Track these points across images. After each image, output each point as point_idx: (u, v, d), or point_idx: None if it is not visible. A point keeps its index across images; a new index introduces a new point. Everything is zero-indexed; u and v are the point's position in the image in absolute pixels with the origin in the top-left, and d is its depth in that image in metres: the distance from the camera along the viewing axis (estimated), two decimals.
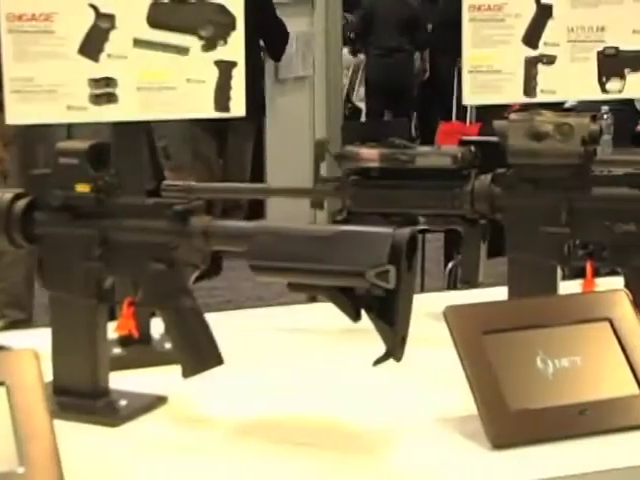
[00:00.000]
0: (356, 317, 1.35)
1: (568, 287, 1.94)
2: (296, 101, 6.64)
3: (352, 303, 1.34)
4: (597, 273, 1.95)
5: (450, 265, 4.55)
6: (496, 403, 1.41)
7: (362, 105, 9.55)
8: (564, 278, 2.14)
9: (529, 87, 2.04)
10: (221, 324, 1.55)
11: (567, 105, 4.92)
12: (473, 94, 2.05)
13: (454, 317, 1.47)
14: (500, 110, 2.52)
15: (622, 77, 2.10)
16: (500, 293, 1.81)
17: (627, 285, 1.71)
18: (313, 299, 1.70)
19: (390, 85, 8.99)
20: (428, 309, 1.66)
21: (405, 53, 9.10)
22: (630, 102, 5.35)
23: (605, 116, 4.96)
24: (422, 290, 4.93)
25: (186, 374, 1.47)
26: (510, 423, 1.40)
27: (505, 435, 1.39)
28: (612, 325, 1.52)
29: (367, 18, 9.00)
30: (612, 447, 1.39)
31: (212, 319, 1.50)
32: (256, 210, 5.71)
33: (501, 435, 1.39)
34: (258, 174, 6.41)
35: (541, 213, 1.77)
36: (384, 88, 9.01)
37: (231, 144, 5.67)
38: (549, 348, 1.47)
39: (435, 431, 1.46)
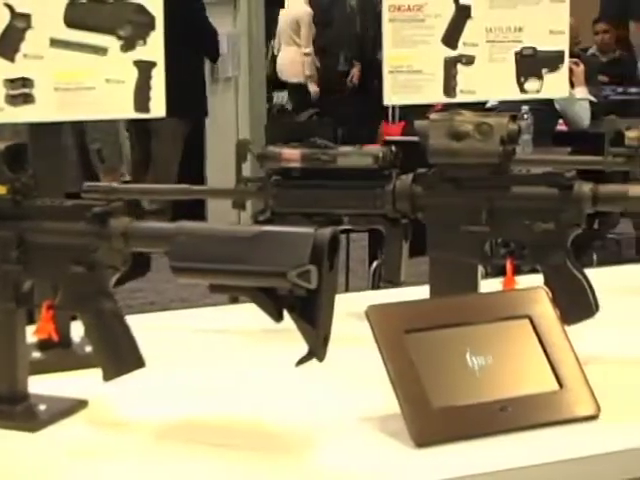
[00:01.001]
0: (278, 317, 1.35)
1: (489, 285, 1.95)
2: (227, 101, 6.64)
3: (274, 303, 1.34)
4: (518, 271, 1.97)
5: (374, 265, 4.58)
6: (418, 401, 1.41)
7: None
8: (487, 276, 2.16)
9: (449, 87, 2.06)
10: (143, 326, 1.53)
11: (488, 105, 4.98)
12: (394, 94, 2.07)
13: (376, 316, 1.47)
14: (424, 110, 2.53)
15: (540, 77, 2.13)
16: (422, 292, 1.82)
17: (546, 283, 1.73)
18: (235, 300, 1.70)
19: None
20: (351, 309, 1.67)
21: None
22: (550, 102, 5.42)
23: (525, 116, 5.02)
24: (347, 290, 4.95)
25: (107, 377, 1.46)
26: (432, 421, 1.41)
27: (428, 433, 1.40)
28: (532, 322, 1.53)
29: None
30: (533, 443, 1.41)
31: (135, 321, 1.49)
32: (197, 213, 5.69)
33: (424, 433, 1.39)
34: (199, 174, 6.41)
35: (462, 212, 1.78)
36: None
37: (153, 145, 5.64)
38: (470, 346, 1.49)
39: (358, 430, 1.46)
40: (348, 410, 1.52)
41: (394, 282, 1.90)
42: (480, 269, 1.85)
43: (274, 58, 8.79)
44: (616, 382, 1.61)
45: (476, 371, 1.47)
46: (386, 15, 2.03)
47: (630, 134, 2.05)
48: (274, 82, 8.52)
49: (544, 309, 1.56)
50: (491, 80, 2.09)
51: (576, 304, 1.72)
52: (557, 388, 1.48)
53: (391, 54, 2.04)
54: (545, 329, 1.53)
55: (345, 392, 1.61)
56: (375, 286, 4.50)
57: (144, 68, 1.79)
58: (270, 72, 8.56)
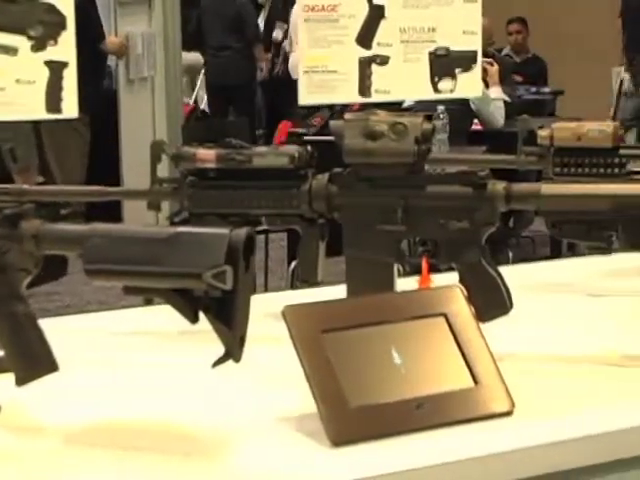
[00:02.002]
0: (194, 318, 1.34)
1: (405, 284, 1.97)
2: (143, 102, 6.58)
3: (189, 305, 1.33)
4: (436, 269, 1.99)
5: (293, 264, 4.58)
6: (335, 401, 1.42)
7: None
8: (404, 275, 2.18)
9: (364, 87, 2.07)
10: (59, 329, 1.52)
11: (405, 105, 5.03)
12: (309, 94, 2.07)
13: (292, 316, 1.47)
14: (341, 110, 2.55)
15: (453, 77, 2.15)
16: (340, 291, 1.82)
17: (462, 281, 1.75)
18: (150, 301, 1.68)
19: (224, 85, 8.97)
20: (269, 309, 1.66)
21: (232, 51, 9.07)
22: (465, 102, 5.48)
23: (441, 116, 5.07)
24: (266, 290, 4.96)
25: (19, 382, 1.44)
26: (349, 420, 1.41)
27: (344, 432, 1.40)
28: (447, 320, 1.55)
29: (200, 18, 8.98)
30: (449, 440, 1.42)
31: (50, 324, 1.47)
32: (114, 215, 5.63)
33: (340, 432, 1.39)
34: (115, 175, 6.34)
35: (377, 211, 1.79)
36: (219, 88, 9.00)
37: (47, 145, 5.56)
38: (387, 345, 1.49)
39: (275, 430, 1.46)
40: (265, 410, 1.52)
41: (311, 282, 1.90)
42: (400, 268, 1.86)
43: (286, 58, 8.64)
44: (530, 378, 1.63)
45: (392, 370, 1.47)
46: (301, 15, 2.03)
47: (542, 133, 2.08)
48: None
49: (459, 307, 1.57)
50: (405, 80, 2.10)
51: (491, 301, 1.74)
52: (472, 385, 1.49)
53: (306, 54, 2.04)
54: (460, 327, 1.54)
55: (262, 392, 1.60)
56: (294, 286, 4.50)
57: (55, 68, 1.77)
58: (284, 72, 8.47)
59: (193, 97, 9.28)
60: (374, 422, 1.42)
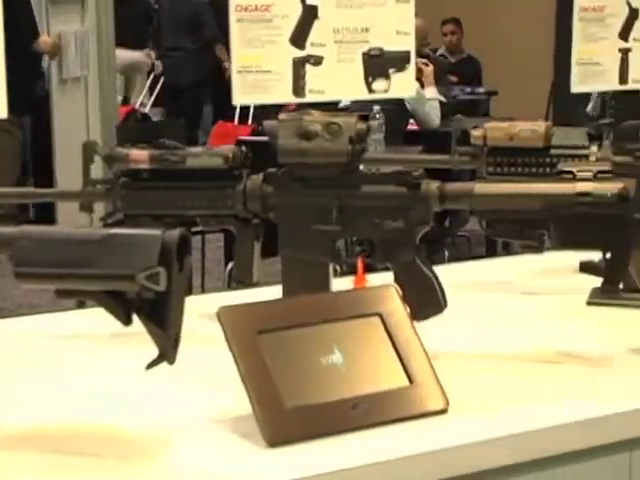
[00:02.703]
0: (127, 321, 1.33)
1: (341, 284, 1.97)
2: (76, 102, 6.51)
3: (122, 307, 1.32)
4: (373, 269, 1.99)
5: (230, 265, 4.56)
6: (271, 401, 1.41)
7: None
8: (343, 275, 2.18)
9: (298, 87, 2.07)
10: None
11: (341, 105, 5.04)
12: (243, 94, 2.06)
13: (227, 317, 1.47)
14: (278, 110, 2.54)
15: (387, 77, 2.16)
16: (277, 292, 1.82)
17: (397, 280, 1.75)
18: (82, 304, 1.66)
19: (177, 86, 8.93)
20: (206, 310, 1.66)
21: (184, 52, 9.04)
22: (400, 102, 5.50)
23: (377, 116, 5.09)
24: (203, 291, 4.93)
25: None
26: (285, 421, 1.41)
27: (280, 433, 1.40)
28: (382, 320, 1.55)
29: (157, 18, 8.93)
30: (384, 439, 1.42)
31: None
32: (47, 218, 5.56)
33: (276, 433, 1.39)
34: (48, 176, 6.27)
35: (312, 211, 1.79)
36: (172, 89, 8.95)
37: None
38: (323, 345, 1.49)
39: (211, 432, 1.45)
40: (200, 412, 1.51)
41: (246, 282, 1.89)
42: (336, 267, 1.87)
43: None
44: (464, 377, 1.64)
45: (328, 370, 1.47)
46: (233, 15, 2.03)
47: (475, 133, 2.10)
48: None
49: (394, 306, 1.57)
50: (339, 80, 2.10)
51: (425, 301, 1.75)
52: (407, 384, 1.50)
53: (239, 54, 2.03)
54: (395, 326, 1.55)
55: (198, 394, 1.59)
56: (231, 287, 4.49)
57: None
58: None
59: (140, 98, 9.20)
60: (310, 422, 1.42)
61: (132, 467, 1.35)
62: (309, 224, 1.79)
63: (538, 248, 1.71)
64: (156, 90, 9.19)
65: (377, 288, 1.63)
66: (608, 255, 1.70)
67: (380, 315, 1.55)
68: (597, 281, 1.96)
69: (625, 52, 2.56)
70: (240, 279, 1.90)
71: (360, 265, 2.08)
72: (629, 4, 2.55)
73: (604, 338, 1.85)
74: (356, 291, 1.82)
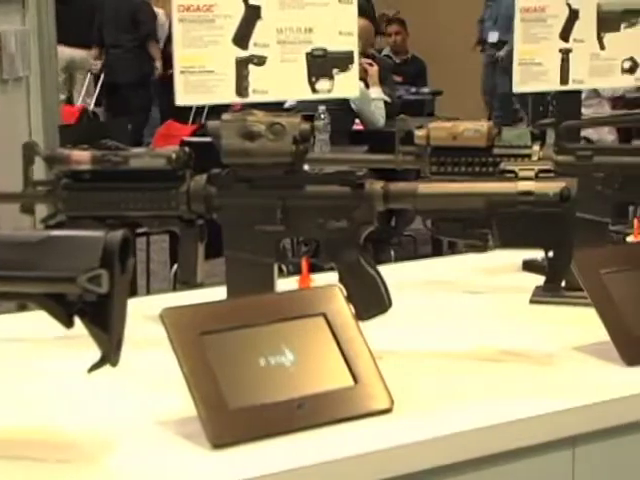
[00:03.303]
0: (69, 324, 1.31)
1: (286, 284, 1.97)
2: (18, 102, 6.44)
3: (64, 310, 1.30)
4: (320, 269, 1.99)
5: (175, 266, 4.54)
6: (215, 403, 1.41)
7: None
8: (289, 275, 2.18)
9: (241, 87, 2.06)
10: None
11: (287, 105, 5.03)
12: (186, 94, 2.05)
13: (171, 319, 1.46)
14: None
15: (331, 77, 2.16)
16: (223, 293, 1.82)
17: (341, 280, 1.75)
18: (24, 307, 1.65)
19: (117, 83, 8.88)
20: (149, 311, 1.65)
21: (123, 49, 8.99)
22: (346, 102, 5.51)
23: (322, 115, 5.09)
24: (148, 292, 4.89)
25: None
26: (230, 422, 1.41)
27: (225, 434, 1.39)
28: (327, 320, 1.55)
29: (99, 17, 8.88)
30: (329, 439, 1.42)
31: None
32: None
33: (220, 434, 1.39)
34: None
35: (256, 212, 1.78)
36: (112, 86, 8.90)
37: None
38: (267, 345, 1.49)
39: (155, 434, 1.44)
40: (144, 414, 1.50)
41: (190, 283, 1.89)
42: (282, 268, 1.86)
43: None
44: (409, 376, 1.65)
45: (273, 370, 1.47)
46: (175, 15, 2.02)
47: (419, 133, 2.11)
48: None
49: (339, 306, 1.58)
50: (283, 80, 2.10)
51: (370, 300, 1.75)
52: (352, 384, 1.50)
53: (181, 54, 2.02)
54: (340, 326, 1.55)
55: (141, 396, 1.58)
56: (176, 288, 4.47)
57: None
58: None
59: (82, 96, 9.13)
60: (255, 423, 1.42)
61: (75, 471, 1.34)
62: (253, 225, 1.79)
63: (482, 247, 1.72)
64: (97, 89, 9.14)
65: (321, 288, 1.63)
66: (550, 254, 1.71)
67: (325, 315, 1.55)
68: (540, 279, 1.98)
69: (566, 52, 2.59)
70: (184, 280, 1.89)
71: (305, 265, 2.08)
72: (569, 5, 2.58)
73: (546, 336, 1.87)
74: (300, 291, 1.81)
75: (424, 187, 1.73)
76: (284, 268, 2.72)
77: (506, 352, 1.78)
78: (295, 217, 1.78)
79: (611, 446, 1.59)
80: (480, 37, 11.06)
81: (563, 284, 1.93)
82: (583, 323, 1.83)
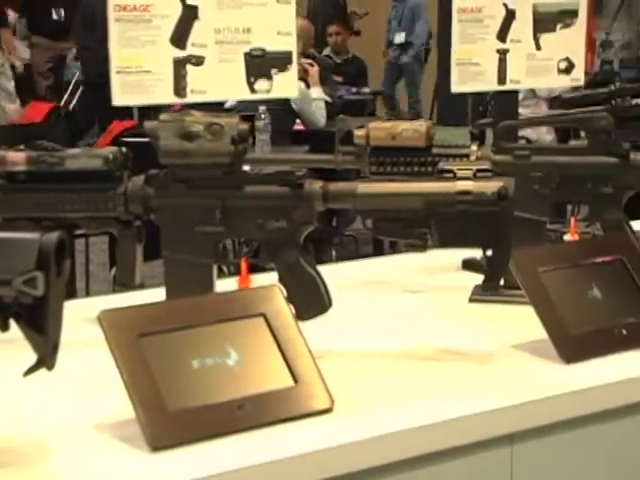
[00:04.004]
0: (4, 327, 1.30)
1: (225, 285, 1.96)
2: None
3: None
4: (262, 269, 1.99)
5: (114, 268, 4.50)
6: (154, 405, 1.40)
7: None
8: (229, 275, 2.17)
9: (179, 87, 2.05)
10: None
11: (227, 105, 5.02)
12: (123, 94, 2.03)
13: (108, 321, 1.44)
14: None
15: (269, 77, 2.16)
16: (163, 294, 1.80)
17: (281, 280, 1.75)
18: None
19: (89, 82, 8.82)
20: (87, 313, 1.63)
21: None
22: (286, 102, 5.51)
23: (263, 116, 5.09)
24: (87, 294, 4.85)
25: None
26: (169, 424, 1.40)
27: (164, 436, 1.38)
28: (267, 320, 1.55)
29: (87, 17, 8.74)
30: (270, 439, 1.42)
31: None
32: None
33: (160, 437, 1.38)
34: None
35: (195, 212, 1.78)
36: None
37: None
38: (207, 347, 1.48)
39: (93, 437, 1.43)
40: (82, 417, 1.49)
41: (129, 285, 1.87)
42: (223, 268, 1.86)
43: None
44: (349, 375, 1.65)
45: (213, 371, 1.46)
46: (112, 15, 2.00)
47: (358, 133, 2.11)
48: None
49: (278, 306, 1.57)
50: (221, 80, 2.09)
51: (310, 300, 1.75)
52: (292, 384, 1.50)
53: (118, 54, 2.01)
54: (279, 326, 1.55)
55: (79, 400, 1.57)
56: (115, 290, 4.43)
57: None
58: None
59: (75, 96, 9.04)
60: (194, 425, 1.41)
61: (11, 474, 1.32)
62: (192, 225, 1.78)
63: (421, 247, 1.73)
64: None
65: (261, 288, 1.63)
66: (489, 253, 1.73)
67: (264, 315, 1.55)
68: (479, 278, 1.99)
69: (503, 53, 2.61)
70: (122, 282, 1.88)
71: (244, 266, 2.08)
72: (506, 5, 2.60)
73: (485, 334, 1.88)
74: (240, 292, 1.81)
75: (363, 187, 1.73)
76: (225, 269, 2.71)
77: (445, 351, 1.79)
78: (234, 218, 1.77)
79: (549, 443, 1.61)
80: (387, 38, 11.11)
81: (502, 283, 1.95)
82: (522, 321, 1.84)
